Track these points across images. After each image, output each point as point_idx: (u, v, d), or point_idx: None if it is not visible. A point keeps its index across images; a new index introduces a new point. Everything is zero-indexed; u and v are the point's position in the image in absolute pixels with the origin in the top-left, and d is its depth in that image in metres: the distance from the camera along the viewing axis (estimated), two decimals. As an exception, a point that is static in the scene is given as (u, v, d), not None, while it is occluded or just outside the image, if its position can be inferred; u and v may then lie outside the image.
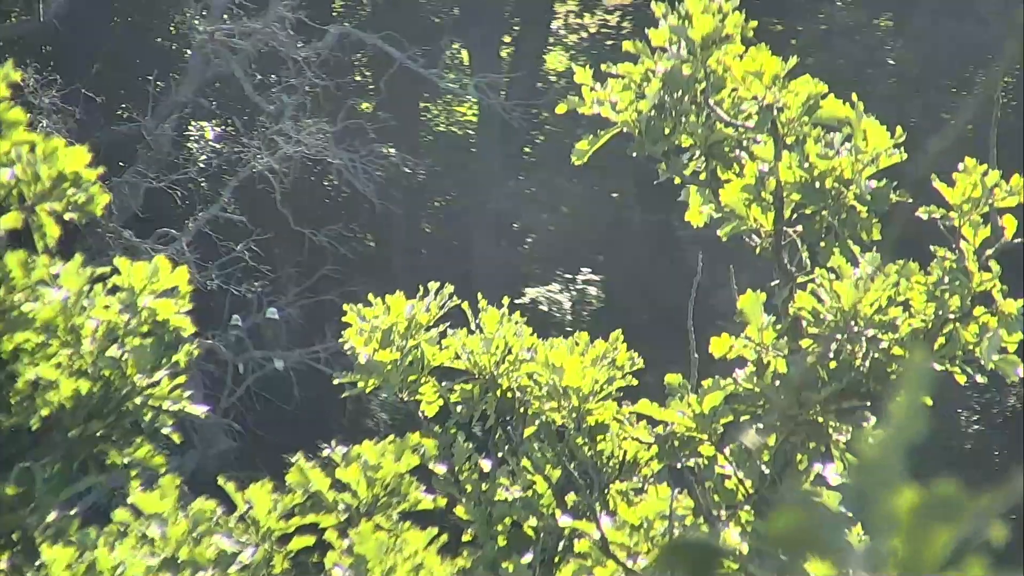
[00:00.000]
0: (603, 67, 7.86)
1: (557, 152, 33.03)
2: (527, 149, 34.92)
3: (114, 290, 7.04)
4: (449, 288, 8.17)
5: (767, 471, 7.67)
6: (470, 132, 35.57)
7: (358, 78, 33.85)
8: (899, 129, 7.67)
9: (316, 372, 27.84)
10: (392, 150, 30.38)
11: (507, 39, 35.33)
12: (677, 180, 7.91)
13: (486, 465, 8.15)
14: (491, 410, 8.08)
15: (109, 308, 6.95)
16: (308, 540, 7.73)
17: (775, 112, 7.71)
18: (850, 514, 1.58)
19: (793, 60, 7.74)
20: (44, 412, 6.79)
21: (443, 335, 8.20)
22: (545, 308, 31.44)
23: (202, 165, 29.46)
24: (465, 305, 8.18)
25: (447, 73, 32.38)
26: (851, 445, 7.57)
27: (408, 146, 31.75)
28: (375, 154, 29.16)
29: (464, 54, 35.46)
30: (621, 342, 8.06)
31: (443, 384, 8.20)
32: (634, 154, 7.89)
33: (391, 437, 7.94)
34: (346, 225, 29.98)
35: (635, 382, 8.05)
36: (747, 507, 7.80)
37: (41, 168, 6.61)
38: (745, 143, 7.85)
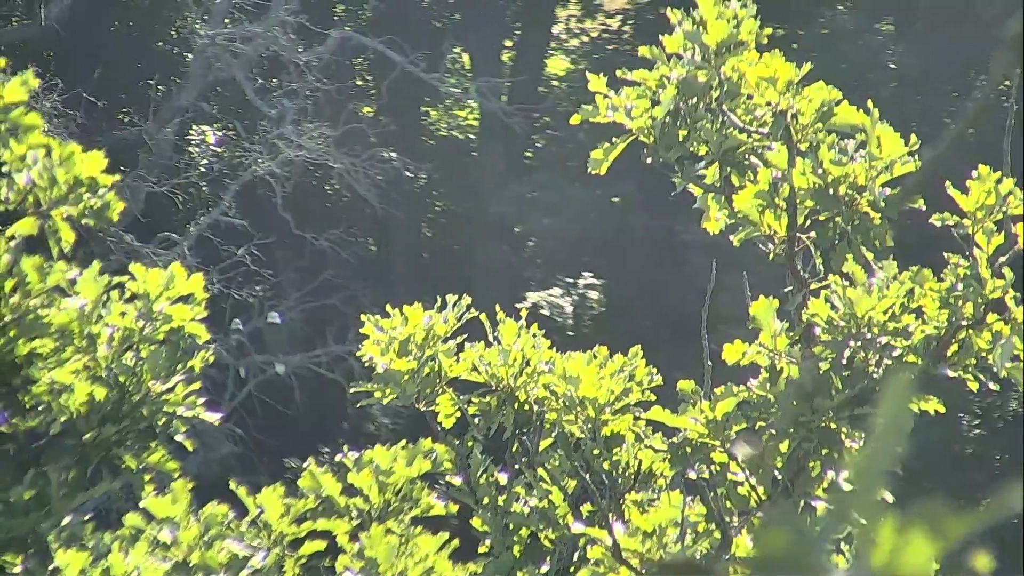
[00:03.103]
0: (618, 73, 7.86)
1: (558, 156, 33.06)
2: (528, 153, 34.92)
3: (131, 298, 7.03)
4: (467, 300, 8.15)
5: (780, 477, 7.66)
6: (471, 136, 35.57)
7: (359, 82, 33.88)
8: (913, 137, 7.67)
9: (317, 376, 27.84)
10: (393, 154, 30.38)
11: (508, 43, 35.34)
12: (698, 191, 7.90)
13: (502, 478, 8.15)
14: (508, 422, 8.08)
15: (125, 315, 6.95)
16: (320, 545, 7.71)
17: (789, 118, 7.71)
18: (834, 534, 1.58)
19: (807, 66, 7.75)
20: (62, 419, 6.79)
21: (460, 347, 8.18)
22: (546, 313, 31.41)
23: (203, 169, 29.47)
24: (483, 317, 8.16)
25: (448, 77, 32.39)
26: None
27: (409, 150, 31.75)
28: (376, 158, 29.16)
29: (465, 58, 35.47)
30: (640, 357, 8.06)
31: (461, 397, 8.19)
32: (648, 160, 7.88)
33: (403, 442, 7.94)
34: (347, 229, 29.95)
35: (653, 397, 8.04)
36: (760, 513, 7.79)
37: (58, 172, 6.60)
38: (759, 150, 7.85)
